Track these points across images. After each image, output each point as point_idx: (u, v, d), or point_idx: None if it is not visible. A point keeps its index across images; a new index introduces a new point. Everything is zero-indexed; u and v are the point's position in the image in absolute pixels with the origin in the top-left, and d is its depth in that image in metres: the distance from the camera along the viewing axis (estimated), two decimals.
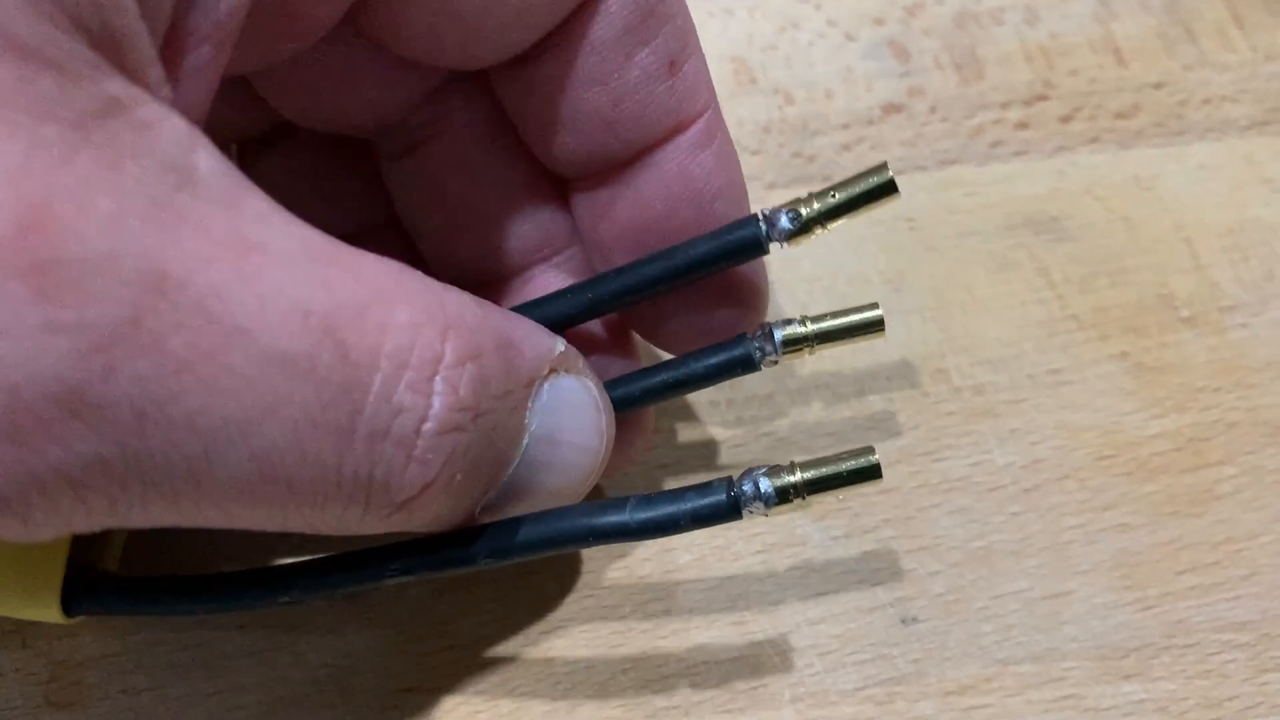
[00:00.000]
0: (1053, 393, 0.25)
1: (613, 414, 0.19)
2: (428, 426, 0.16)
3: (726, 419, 0.24)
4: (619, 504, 0.19)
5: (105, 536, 0.22)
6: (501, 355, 0.17)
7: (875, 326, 0.21)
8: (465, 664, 0.22)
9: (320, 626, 0.22)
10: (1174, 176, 0.27)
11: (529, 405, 0.18)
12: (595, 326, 0.22)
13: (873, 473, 0.19)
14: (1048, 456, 0.24)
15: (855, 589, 0.23)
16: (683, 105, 0.20)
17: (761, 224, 0.20)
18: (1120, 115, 0.28)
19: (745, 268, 0.21)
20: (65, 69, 0.13)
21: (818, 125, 0.27)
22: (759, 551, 0.23)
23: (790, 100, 0.28)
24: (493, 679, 0.22)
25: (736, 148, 0.21)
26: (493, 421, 0.17)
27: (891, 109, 0.28)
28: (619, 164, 0.21)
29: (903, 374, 0.25)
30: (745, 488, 0.19)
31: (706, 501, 0.19)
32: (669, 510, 0.19)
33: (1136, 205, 0.27)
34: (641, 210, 0.21)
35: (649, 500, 0.19)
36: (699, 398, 0.25)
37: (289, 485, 0.15)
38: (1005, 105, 0.28)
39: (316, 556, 0.20)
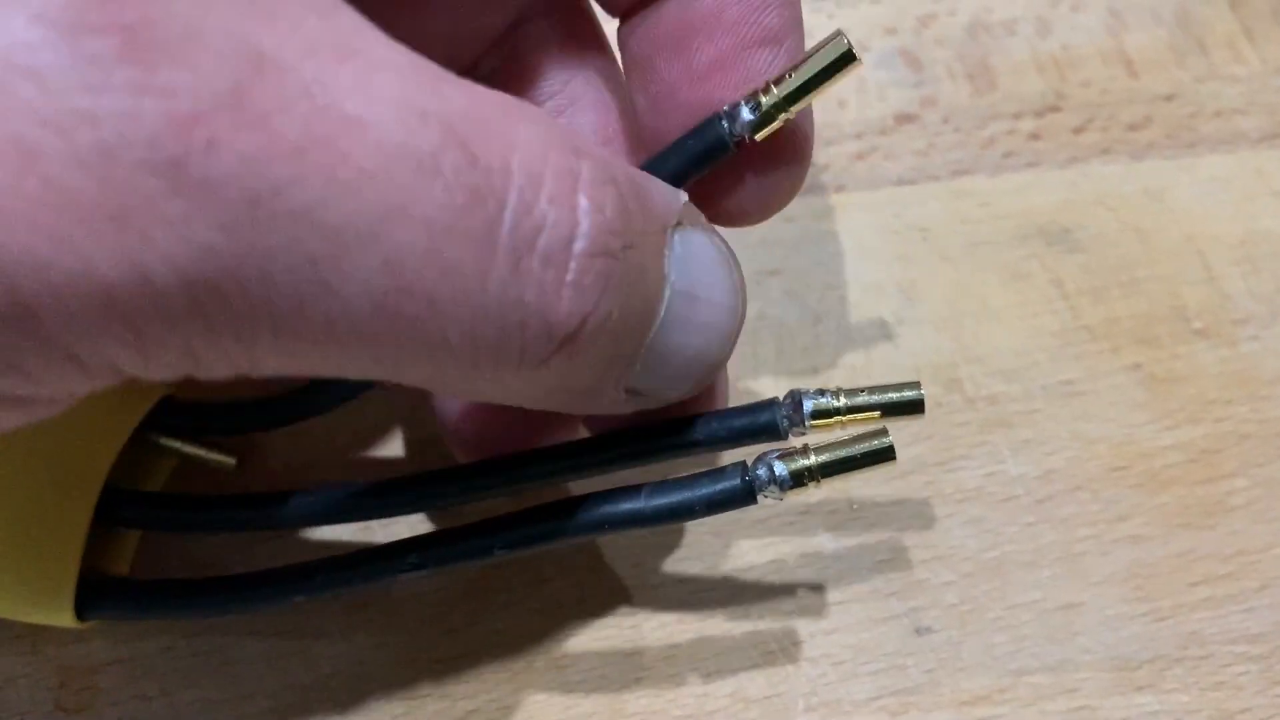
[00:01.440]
0: (1066, 403, 0.25)
1: (742, 272, 0.18)
2: (579, 246, 0.15)
3: None
4: (634, 491, 0.19)
5: (116, 541, 0.22)
6: (634, 191, 0.16)
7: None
8: (478, 671, 0.22)
9: (333, 633, 0.22)
10: (1185, 188, 0.27)
11: (665, 254, 0.16)
12: None
13: (887, 455, 0.18)
14: (1061, 467, 0.24)
15: (869, 599, 0.23)
16: None
17: (723, 121, 0.19)
18: (1132, 127, 0.28)
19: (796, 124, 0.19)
20: None
21: (831, 134, 0.27)
22: (772, 560, 0.23)
23: None
24: (506, 686, 0.22)
25: None
26: (638, 261, 0.16)
27: (904, 119, 0.28)
28: None
29: None
30: (760, 472, 0.18)
31: (721, 486, 0.18)
32: (684, 496, 0.18)
33: (1148, 216, 0.27)
34: (687, 7, 0.19)
35: (664, 487, 0.19)
36: None
37: (431, 302, 0.14)
38: (1017, 116, 0.28)
39: (329, 556, 0.20)
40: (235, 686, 0.22)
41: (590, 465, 0.19)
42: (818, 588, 0.23)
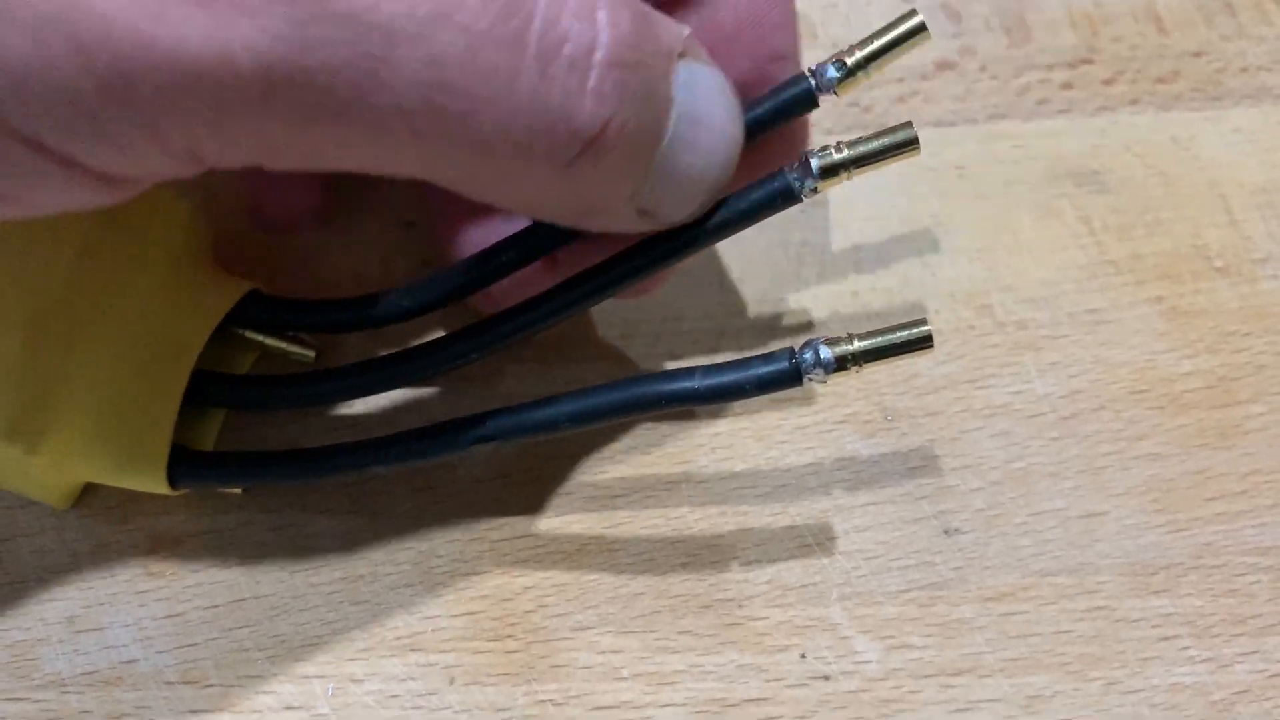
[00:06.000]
0: (1091, 330, 0.26)
1: (740, 104, 0.20)
2: (599, 56, 0.16)
3: (783, 345, 0.26)
4: (688, 372, 0.20)
5: (202, 421, 0.24)
6: (643, 15, 0.17)
7: (910, 145, 0.20)
8: (536, 551, 0.23)
9: (400, 514, 0.24)
10: (1210, 138, 0.28)
11: (670, 79, 0.18)
12: None
13: (924, 342, 0.20)
14: (1085, 388, 0.25)
15: (901, 501, 0.24)
16: None
17: (810, 80, 0.20)
18: (1160, 80, 0.29)
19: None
20: None
21: (875, 78, 0.29)
22: (810, 464, 0.25)
23: None
24: (561, 564, 0.23)
25: None
26: (649, 79, 0.17)
27: (944, 66, 0.29)
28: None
29: (950, 308, 0.26)
30: (806, 356, 0.20)
31: (770, 368, 0.20)
32: (735, 376, 0.20)
33: (1174, 163, 0.28)
34: (712, 32, 0.21)
35: (716, 368, 0.20)
36: (753, 329, 0.26)
37: (471, 100, 0.16)
38: (1051, 67, 0.29)
39: (404, 430, 0.22)
40: (308, 558, 0.23)
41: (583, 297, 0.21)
42: (852, 490, 0.24)
